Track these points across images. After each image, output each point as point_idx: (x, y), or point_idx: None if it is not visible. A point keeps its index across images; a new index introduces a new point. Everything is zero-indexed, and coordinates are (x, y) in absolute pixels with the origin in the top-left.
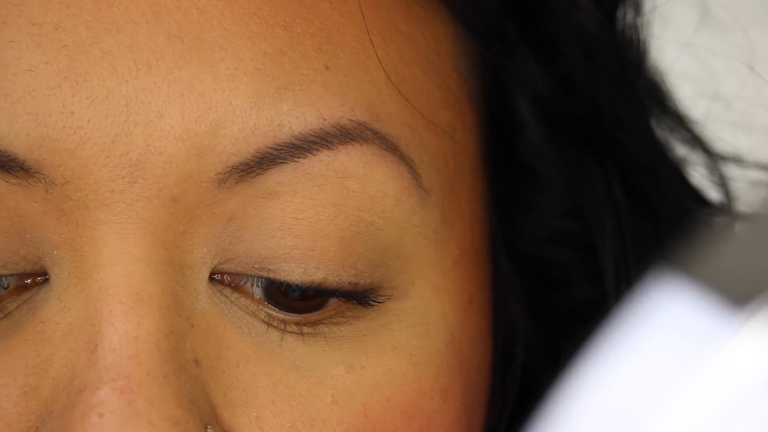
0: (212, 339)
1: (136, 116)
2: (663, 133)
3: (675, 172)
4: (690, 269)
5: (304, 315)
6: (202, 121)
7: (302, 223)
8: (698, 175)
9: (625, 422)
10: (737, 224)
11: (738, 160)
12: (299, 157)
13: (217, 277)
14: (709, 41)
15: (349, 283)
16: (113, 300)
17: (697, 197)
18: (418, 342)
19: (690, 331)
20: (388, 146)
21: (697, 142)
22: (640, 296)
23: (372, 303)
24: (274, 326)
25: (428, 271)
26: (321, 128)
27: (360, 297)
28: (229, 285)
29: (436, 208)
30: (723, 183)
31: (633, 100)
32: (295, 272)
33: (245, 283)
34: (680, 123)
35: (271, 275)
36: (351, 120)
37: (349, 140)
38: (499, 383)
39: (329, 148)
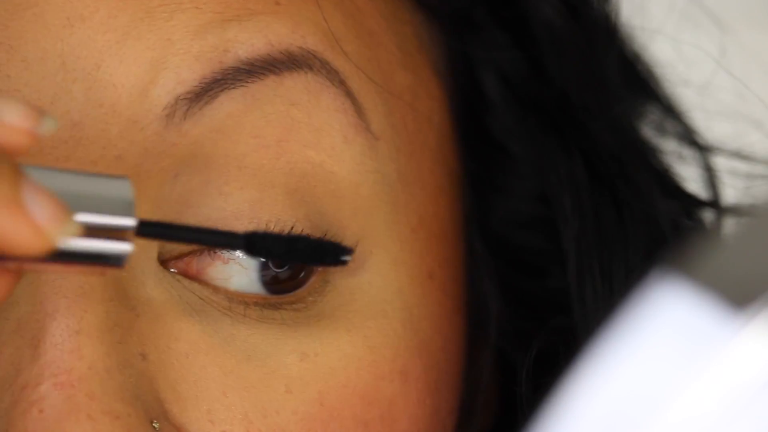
0: (160, 330)
1: (74, 72)
2: (641, 121)
3: (643, 161)
4: (690, 270)
5: (265, 296)
6: (140, 62)
7: (246, 172)
8: (698, 173)
9: (626, 423)
10: (737, 223)
11: (718, 150)
12: (247, 81)
13: (174, 270)
14: (680, 29)
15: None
16: (57, 294)
17: (672, 187)
18: (374, 322)
19: (690, 332)
20: (335, 79)
21: (686, 133)
22: (640, 297)
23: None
24: (234, 308)
25: (385, 236)
26: (268, 54)
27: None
28: (183, 272)
29: (389, 162)
30: (711, 175)
31: (600, 88)
32: (248, 229)
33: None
34: (666, 112)
35: None
36: (300, 48)
37: (295, 67)
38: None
39: (276, 74)
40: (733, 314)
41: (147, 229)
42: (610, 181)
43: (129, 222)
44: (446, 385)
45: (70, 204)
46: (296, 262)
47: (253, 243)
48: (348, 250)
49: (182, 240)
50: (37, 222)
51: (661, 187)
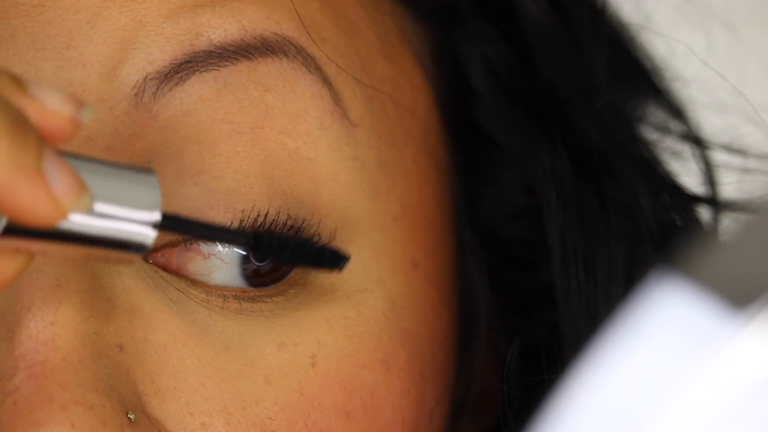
0: (137, 321)
1: (44, 51)
2: (636, 115)
3: (630, 156)
4: (690, 270)
5: (246, 289)
6: (110, 42)
7: (220, 160)
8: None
9: (626, 423)
10: (736, 222)
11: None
12: (219, 66)
13: (152, 262)
14: (675, 25)
15: (284, 224)
16: (33, 287)
17: (662, 183)
18: (354, 312)
19: (690, 332)
20: (311, 65)
21: (684, 127)
22: (641, 297)
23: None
24: (212, 300)
25: (366, 224)
26: (242, 39)
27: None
28: (162, 266)
29: (369, 149)
30: (709, 170)
31: (586, 83)
32: (224, 219)
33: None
34: (664, 106)
35: None
36: (275, 33)
37: (269, 53)
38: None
39: (249, 59)
40: (733, 314)
41: (168, 223)
42: (595, 174)
43: (154, 213)
44: (433, 375)
45: (97, 190)
46: (299, 265)
47: (260, 244)
48: (347, 258)
49: (198, 237)
50: (54, 192)
51: (650, 182)
